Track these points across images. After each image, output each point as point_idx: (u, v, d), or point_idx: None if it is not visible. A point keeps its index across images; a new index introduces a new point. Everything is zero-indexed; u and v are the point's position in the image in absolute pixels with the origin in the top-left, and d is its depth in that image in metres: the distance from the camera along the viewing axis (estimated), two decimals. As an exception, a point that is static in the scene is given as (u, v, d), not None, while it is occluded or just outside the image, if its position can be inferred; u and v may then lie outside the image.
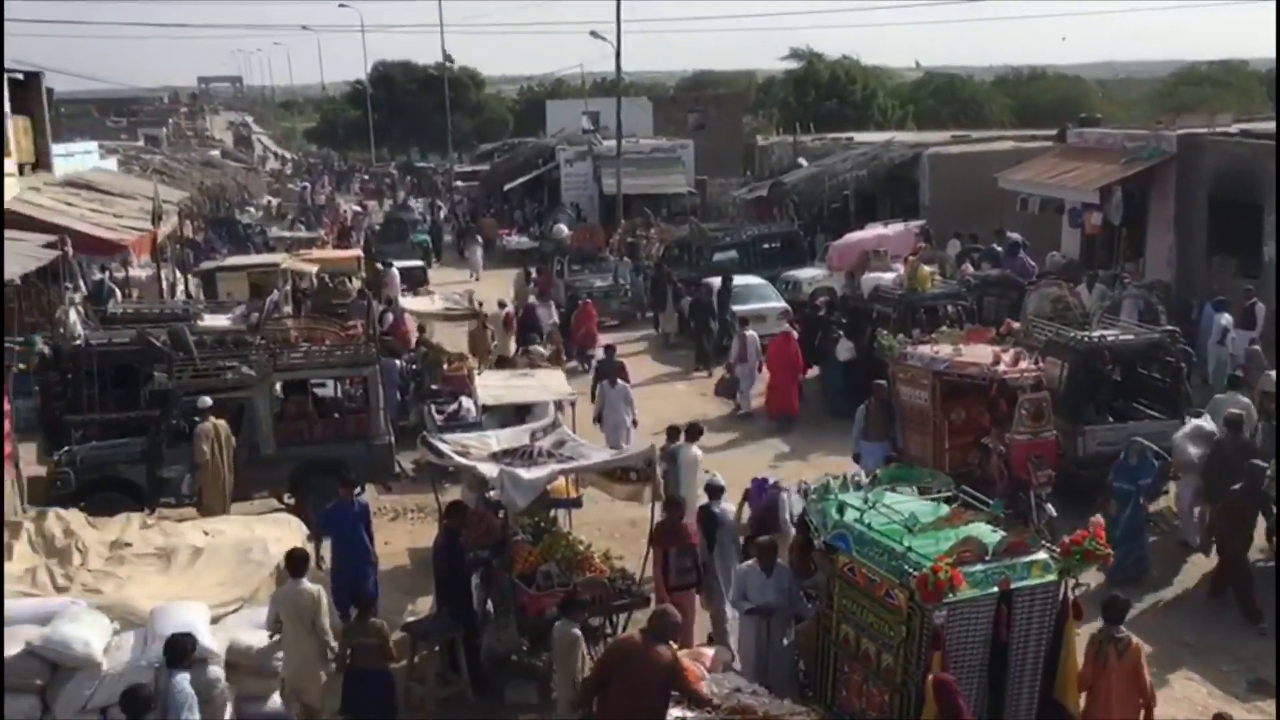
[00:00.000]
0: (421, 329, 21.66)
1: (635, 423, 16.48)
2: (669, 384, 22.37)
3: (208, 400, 13.86)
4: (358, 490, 12.28)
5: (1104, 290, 20.48)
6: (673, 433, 13.57)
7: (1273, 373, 14.88)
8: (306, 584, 9.60)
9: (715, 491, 11.66)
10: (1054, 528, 11.78)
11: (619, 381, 16.74)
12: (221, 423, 13.76)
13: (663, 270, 27.34)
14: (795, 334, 19.60)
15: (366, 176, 72.64)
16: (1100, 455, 13.83)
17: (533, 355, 18.64)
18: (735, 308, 22.76)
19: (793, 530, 11.09)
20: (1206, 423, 13.29)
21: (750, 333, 20.10)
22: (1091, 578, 9.57)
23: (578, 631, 9.34)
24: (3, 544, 10.38)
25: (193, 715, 8.08)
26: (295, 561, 9.72)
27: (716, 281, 24.35)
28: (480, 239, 38.80)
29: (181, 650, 8.19)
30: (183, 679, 8.10)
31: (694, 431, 13.58)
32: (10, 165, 25.29)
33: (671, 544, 10.58)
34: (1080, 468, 13.97)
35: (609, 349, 18.45)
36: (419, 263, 32.68)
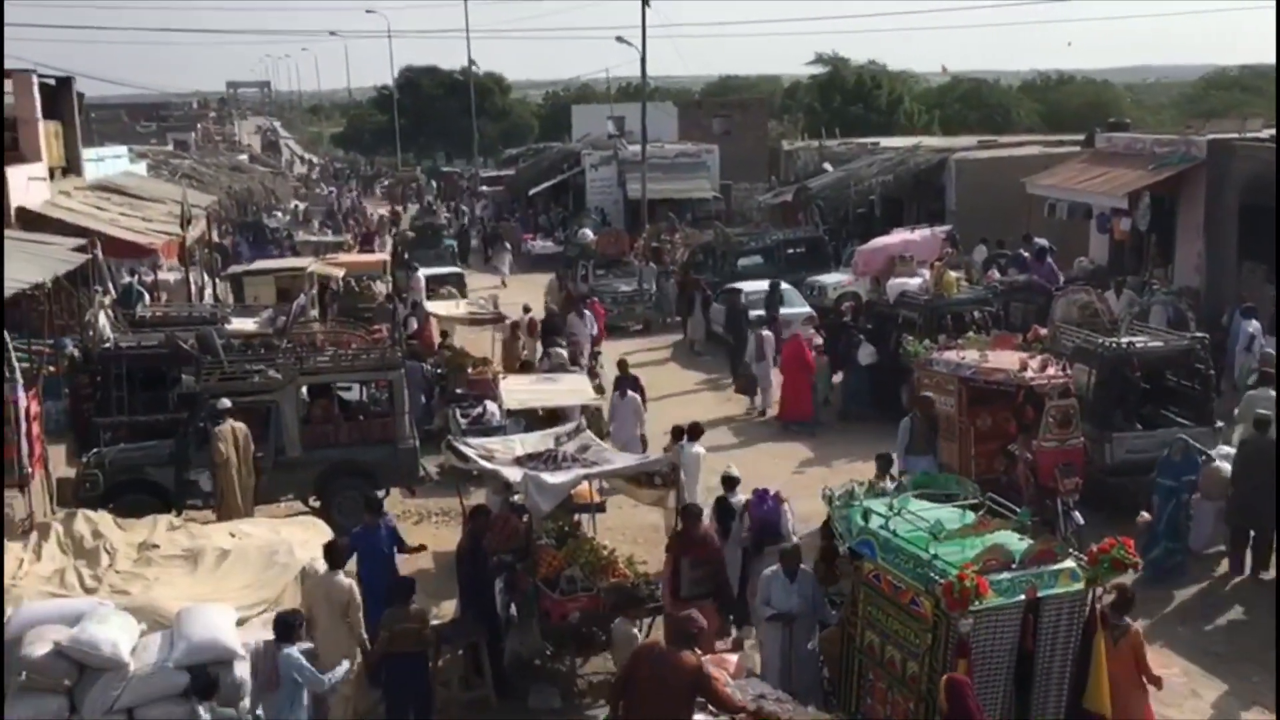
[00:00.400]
0: (445, 333, 21.70)
1: (644, 438, 16.17)
2: (696, 393, 22.19)
3: (226, 402, 13.87)
4: (383, 493, 12.26)
5: (1132, 296, 20.32)
6: (675, 433, 13.65)
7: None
8: (341, 576, 9.75)
9: (730, 483, 11.74)
10: (1081, 536, 11.71)
11: (628, 393, 16.49)
12: (240, 425, 13.71)
13: (689, 277, 27.30)
14: (807, 336, 19.54)
15: (387, 181, 72.90)
16: (1128, 463, 13.74)
17: (554, 358, 18.68)
18: (756, 313, 22.69)
19: (795, 540, 11.08)
20: (1229, 447, 13.28)
21: (766, 332, 20.17)
22: (1126, 578, 9.43)
23: (636, 630, 9.33)
24: (3, 545, 10.46)
25: (305, 681, 8.53)
26: (332, 553, 9.87)
27: (746, 287, 24.33)
28: (508, 245, 38.89)
29: (289, 626, 8.66)
30: (292, 650, 8.53)
31: (695, 431, 13.69)
32: (41, 169, 25.60)
33: (685, 553, 10.39)
34: (1108, 475, 13.86)
35: (622, 363, 17.87)
36: (455, 269, 31.96)
